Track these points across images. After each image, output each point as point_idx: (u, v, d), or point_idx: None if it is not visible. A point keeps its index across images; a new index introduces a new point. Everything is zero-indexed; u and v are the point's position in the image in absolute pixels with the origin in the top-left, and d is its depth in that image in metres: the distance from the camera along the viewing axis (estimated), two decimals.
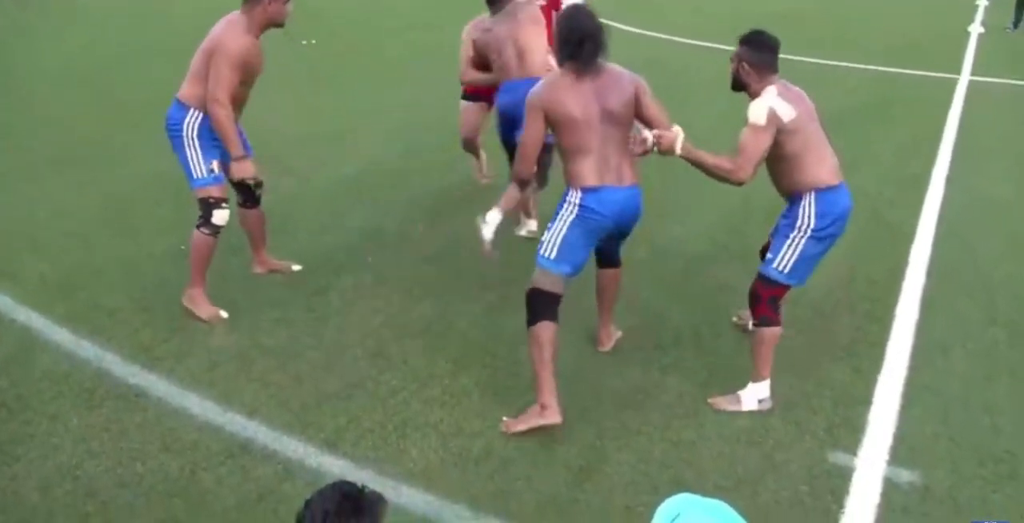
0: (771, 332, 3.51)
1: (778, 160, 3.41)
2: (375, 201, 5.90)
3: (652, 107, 3.45)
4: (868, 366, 3.91)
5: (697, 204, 5.82)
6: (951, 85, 10.41)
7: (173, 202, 5.68)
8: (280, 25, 4.02)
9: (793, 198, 3.46)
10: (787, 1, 18.23)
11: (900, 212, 5.96)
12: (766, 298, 3.50)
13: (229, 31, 3.90)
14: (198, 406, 3.46)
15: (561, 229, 3.46)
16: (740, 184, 3.42)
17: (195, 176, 4.04)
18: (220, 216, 4.07)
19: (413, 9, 14.34)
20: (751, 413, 3.51)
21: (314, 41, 11.91)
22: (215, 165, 4.04)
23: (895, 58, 12.17)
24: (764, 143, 3.32)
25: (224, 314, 4.17)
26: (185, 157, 4.03)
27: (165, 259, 4.78)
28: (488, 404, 3.54)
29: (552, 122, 3.39)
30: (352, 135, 7.55)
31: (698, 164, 3.41)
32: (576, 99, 3.35)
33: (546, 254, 3.46)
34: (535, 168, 3.63)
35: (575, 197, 3.43)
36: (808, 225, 3.41)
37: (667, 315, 4.35)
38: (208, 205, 4.06)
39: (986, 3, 19.37)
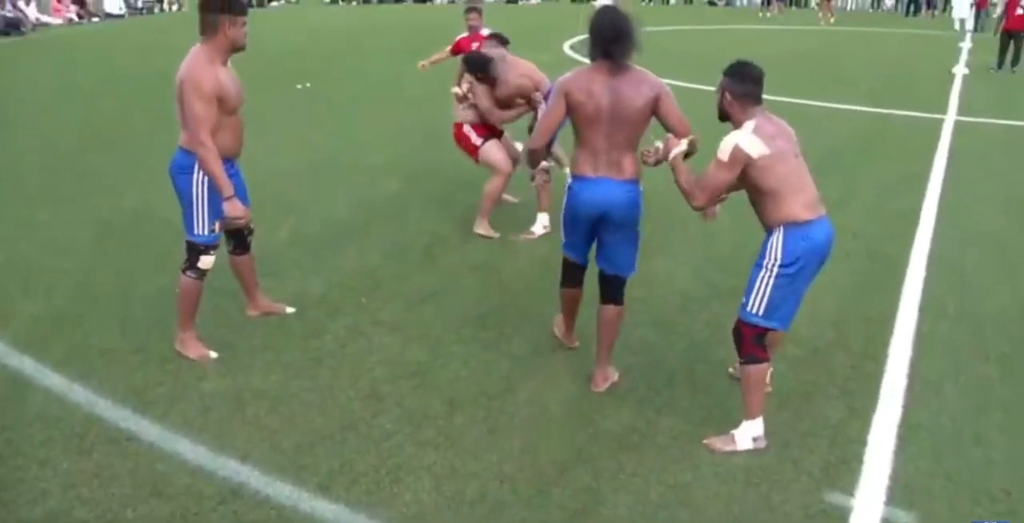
0: (757, 369, 3.49)
1: (754, 193, 3.43)
2: (368, 240, 5.92)
3: (672, 114, 3.68)
4: (863, 404, 3.90)
5: (688, 244, 5.85)
6: (938, 125, 10.57)
7: (167, 239, 5.70)
8: (242, 48, 3.95)
9: (768, 233, 3.46)
10: (775, 46, 18.58)
11: (892, 248, 6.01)
12: (749, 337, 3.48)
13: (192, 66, 3.82)
14: (190, 450, 3.42)
15: (561, 217, 3.93)
16: (694, 209, 3.56)
17: (196, 232, 4.04)
18: (206, 261, 4.09)
19: (400, 41, 14.54)
20: (746, 453, 3.49)
21: (308, 85, 12.08)
22: (217, 226, 4.06)
23: (881, 100, 12.38)
24: (724, 177, 3.37)
25: (214, 354, 4.16)
26: (191, 209, 4.00)
27: (159, 299, 4.78)
28: (483, 445, 3.52)
29: (569, 106, 3.67)
30: (341, 174, 7.62)
31: (674, 176, 3.56)
32: (593, 91, 3.61)
33: (562, 238, 4.01)
34: (547, 144, 3.89)
35: (570, 182, 3.83)
36: (775, 262, 3.37)
37: (661, 354, 4.35)
38: (197, 251, 4.07)
39: (969, 45, 19.77)
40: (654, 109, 3.66)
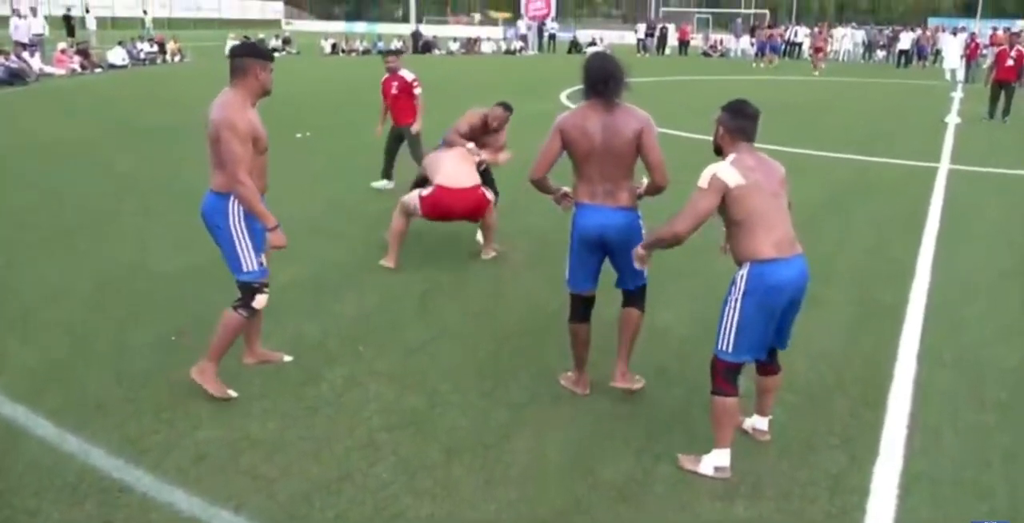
0: (722, 402, 3.60)
1: (728, 225, 3.60)
2: (366, 286, 5.95)
3: (652, 151, 3.99)
4: (863, 453, 3.89)
5: (686, 295, 5.85)
6: (932, 173, 10.70)
7: (163, 290, 5.72)
8: (269, 92, 4.12)
9: (737, 267, 3.60)
10: (769, 96, 18.87)
11: (889, 294, 6.03)
12: (720, 371, 3.62)
13: (228, 109, 3.96)
14: (184, 501, 3.39)
15: (568, 249, 4.17)
16: (677, 238, 3.61)
17: (245, 268, 4.10)
18: (261, 300, 4.18)
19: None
20: (747, 504, 3.47)
21: (308, 134, 12.24)
22: (264, 258, 4.14)
23: (875, 148, 12.55)
24: (703, 203, 3.52)
25: (233, 393, 4.18)
26: (233, 249, 4.07)
27: (154, 348, 4.79)
28: (480, 495, 3.49)
29: (565, 142, 4.02)
30: (341, 221, 7.68)
31: (658, 247, 3.76)
32: (586, 127, 3.96)
33: (565, 276, 4.25)
34: (544, 175, 4.15)
35: (574, 210, 4.12)
36: (737, 297, 3.53)
37: (659, 400, 4.34)
38: (252, 290, 4.14)
39: (961, 95, 20.11)
40: (638, 142, 3.95)
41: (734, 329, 3.54)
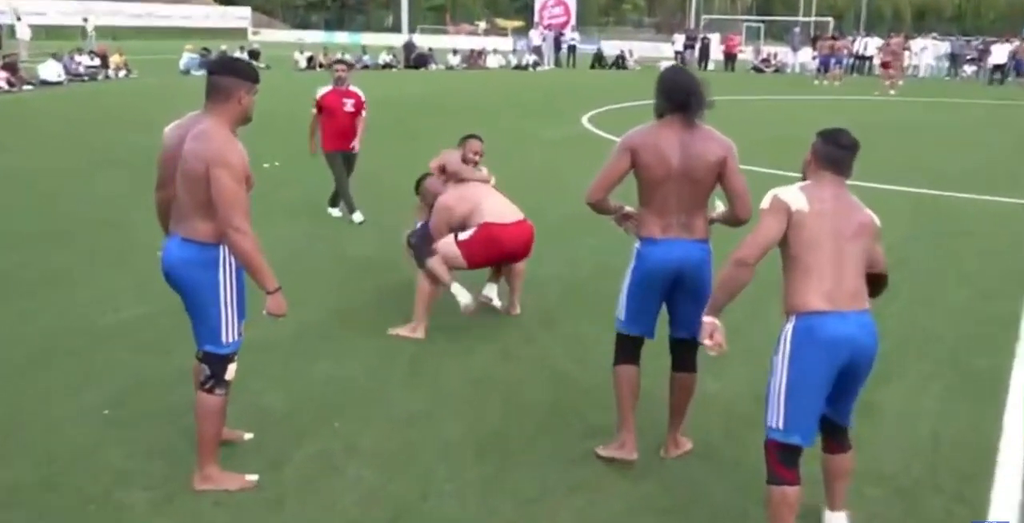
0: (779, 493, 3.54)
1: (784, 259, 3.64)
2: (345, 348, 5.93)
3: (735, 178, 4.24)
4: None
5: (734, 360, 5.78)
6: None
7: (97, 350, 5.70)
8: (250, 120, 4.08)
9: (784, 322, 3.61)
10: (834, 121, 18.99)
11: (989, 363, 5.96)
12: (772, 452, 3.58)
13: (217, 143, 3.84)
14: None
15: (625, 286, 4.40)
16: (744, 264, 3.58)
17: (225, 340, 4.03)
18: (232, 370, 4.14)
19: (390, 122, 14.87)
20: None
21: (277, 163, 12.35)
22: (242, 326, 4.13)
23: (964, 183, 12.55)
24: (769, 225, 3.60)
25: (253, 477, 4.22)
26: (216, 313, 3.97)
27: (84, 422, 4.75)
28: None
29: (635, 164, 4.22)
30: (320, 268, 7.70)
31: (726, 297, 3.71)
32: (662, 149, 4.17)
33: (618, 315, 4.44)
34: (605, 196, 4.36)
35: (638, 245, 4.34)
36: (783, 358, 3.53)
37: (707, 489, 4.27)
38: (224, 362, 4.08)
39: None
40: (720, 170, 4.19)
41: (783, 400, 3.51)
